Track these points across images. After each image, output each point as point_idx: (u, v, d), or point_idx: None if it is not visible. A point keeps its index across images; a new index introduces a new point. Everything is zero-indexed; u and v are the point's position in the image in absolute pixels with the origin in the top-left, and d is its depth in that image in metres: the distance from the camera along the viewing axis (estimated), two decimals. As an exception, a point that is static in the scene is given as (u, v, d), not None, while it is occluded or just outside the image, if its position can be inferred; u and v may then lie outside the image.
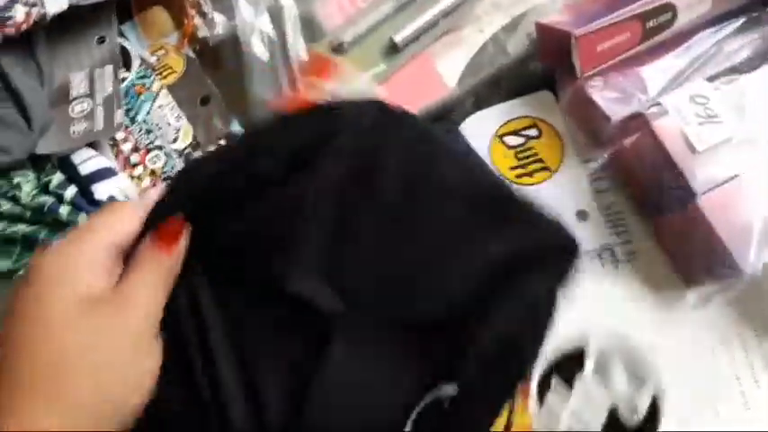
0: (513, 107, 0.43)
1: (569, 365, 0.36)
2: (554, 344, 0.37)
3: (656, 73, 0.40)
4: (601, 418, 0.36)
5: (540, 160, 0.42)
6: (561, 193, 0.42)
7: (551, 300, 0.28)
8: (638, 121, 0.39)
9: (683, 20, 0.40)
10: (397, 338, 0.27)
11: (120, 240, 0.28)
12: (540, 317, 0.28)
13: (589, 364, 0.37)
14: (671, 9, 0.39)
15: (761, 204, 0.37)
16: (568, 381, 0.37)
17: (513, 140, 0.43)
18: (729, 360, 0.40)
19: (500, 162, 0.42)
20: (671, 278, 0.42)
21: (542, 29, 0.42)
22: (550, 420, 0.36)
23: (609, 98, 0.40)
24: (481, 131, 0.43)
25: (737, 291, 0.39)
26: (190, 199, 0.29)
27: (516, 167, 0.42)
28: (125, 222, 0.28)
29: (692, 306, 0.41)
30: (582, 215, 0.41)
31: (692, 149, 0.37)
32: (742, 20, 0.42)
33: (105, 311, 0.26)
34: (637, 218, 0.42)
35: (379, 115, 0.29)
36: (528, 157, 0.42)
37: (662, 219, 0.40)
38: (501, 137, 0.42)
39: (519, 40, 0.44)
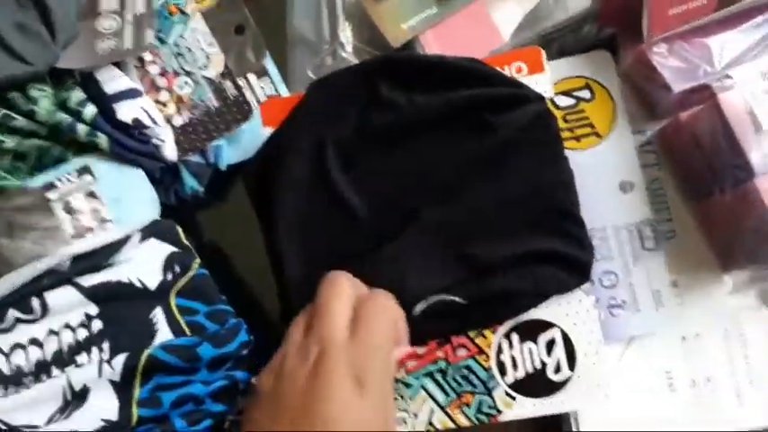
0: (567, 65, 0.41)
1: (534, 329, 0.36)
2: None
3: (724, 45, 0.38)
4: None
5: (591, 125, 0.40)
6: (606, 162, 0.40)
7: (542, 295, 0.36)
8: (700, 94, 0.38)
9: (760, -9, 0.38)
10: (440, 247, 0.36)
11: None
12: (531, 301, 0.36)
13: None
14: (750, -23, 0.37)
15: (820, 193, 0.35)
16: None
17: (563, 101, 0.40)
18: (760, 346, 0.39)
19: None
20: (708, 261, 0.40)
21: (609, -14, 0.40)
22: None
23: (672, 67, 0.38)
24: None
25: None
26: None
27: (564, 130, 0.39)
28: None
29: (728, 291, 0.40)
30: (625, 186, 0.39)
31: (758, 127, 0.35)
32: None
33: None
34: (679, 197, 0.41)
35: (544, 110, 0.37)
36: (577, 120, 0.40)
37: (709, 199, 0.39)
38: (551, 98, 0.40)
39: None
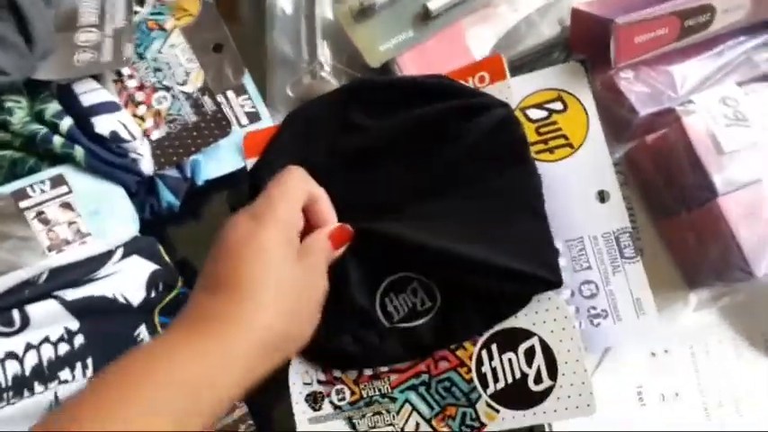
0: (539, 78, 0.41)
1: (512, 339, 0.37)
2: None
3: (686, 73, 0.40)
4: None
5: (564, 136, 0.40)
6: (582, 171, 0.39)
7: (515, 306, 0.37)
8: (665, 118, 0.39)
9: (719, 24, 0.40)
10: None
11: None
12: (501, 312, 0.37)
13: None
14: (710, 11, 0.39)
15: (780, 211, 0.37)
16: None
17: (535, 114, 0.41)
18: (727, 362, 0.41)
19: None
20: (674, 279, 0.42)
21: (578, 15, 0.42)
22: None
23: (638, 92, 0.40)
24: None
25: (743, 295, 0.40)
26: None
27: (537, 143, 0.40)
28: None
29: (693, 308, 0.42)
30: (602, 196, 0.40)
31: (719, 150, 0.37)
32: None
33: (300, 269, 0.33)
34: (646, 216, 0.42)
35: (508, 114, 0.38)
36: (550, 132, 0.41)
37: (675, 218, 0.40)
38: (523, 109, 0.41)
39: (550, 25, 0.43)
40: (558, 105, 0.40)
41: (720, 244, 0.37)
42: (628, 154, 0.43)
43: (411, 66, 0.43)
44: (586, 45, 0.42)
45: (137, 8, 0.44)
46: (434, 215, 0.37)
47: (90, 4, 0.43)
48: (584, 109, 0.40)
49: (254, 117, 0.43)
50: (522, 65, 0.45)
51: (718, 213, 0.37)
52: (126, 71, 0.42)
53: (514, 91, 0.40)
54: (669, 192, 0.40)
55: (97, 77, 0.41)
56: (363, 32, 0.43)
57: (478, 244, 0.36)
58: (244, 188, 0.40)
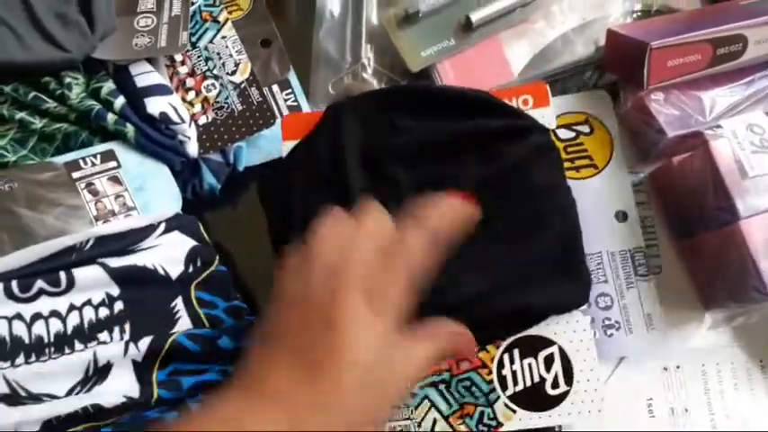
0: (570, 101, 0.44)
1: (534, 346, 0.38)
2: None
3: (716, 99, 0.42)
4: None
5: (589, 157, 0.42)
6: (604, 191, 0.42)
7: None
8: (692, 141, 0.41)
9: (751, 54, 0.42)
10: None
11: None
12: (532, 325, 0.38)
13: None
14: (742, 41, 0.41)
15: (798, 238, 0.38)
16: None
17: (564, 134, 0.43)
18: (738, 381, 0.42)
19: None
20: (691, 298, 0.43)
21: (613, 36, 0.43)
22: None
23: (668, 114, 0.41)
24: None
25: (757, 316, 0.41)
26: None
27: (564, 161, 0.42)
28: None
29: (707, 327, 0.43)
30: (621, 215, 0.42)
31: (743, 174, 0.38)
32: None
33: (393, 348, 0.28)
34: (667, 235, 0.44)
35: (547, 141, 0.40)
36: (577, 152, 0.43)
37: (695, 238, 0.42)
38: (554, 129, 0.43)
39: (585, 45, 0.45)
40: (585, 128, 0.43)
41: (739, 265, 0.38)
42: (652, 174, 0.44)
43: (450, 73, 0.45)
44: (619, 66, 0.44)
45: (193, -1, 0.46)
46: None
47: (149, -9, 0.45)
48: (609, 133, 0.43)
49: (295, 110, 0.45)
50: (555, 81, 0.46)
51: (739, 236, 0.38)
52: (179, 58, 0.45)
53: (548, 110, 0.42)
54: (691, 212, 0.41)
55: (151, 61, 0.43)
56: (406, 38, 0.45)
57: (509, 268, 0.37)
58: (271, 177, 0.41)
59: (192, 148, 0.42)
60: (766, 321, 0.41)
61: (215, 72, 0.45)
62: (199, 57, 0.45)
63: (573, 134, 0.43)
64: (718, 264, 0.40)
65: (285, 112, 0.45)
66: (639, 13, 0.46)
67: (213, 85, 0.44)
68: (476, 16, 0.44)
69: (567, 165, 0.42)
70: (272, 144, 0.44)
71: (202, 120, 0.43)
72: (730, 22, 0.41)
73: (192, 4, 0.46)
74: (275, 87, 0.46)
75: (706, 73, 0.41)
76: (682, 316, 0.43)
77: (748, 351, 0.42)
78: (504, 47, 0.45)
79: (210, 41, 0.46)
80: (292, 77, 0.46)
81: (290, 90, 0.46)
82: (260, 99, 0.44)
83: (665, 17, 0.46)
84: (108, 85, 0.42)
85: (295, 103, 0.46)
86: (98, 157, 0.41)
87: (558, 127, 0.43)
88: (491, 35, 0.45)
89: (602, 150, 0.43)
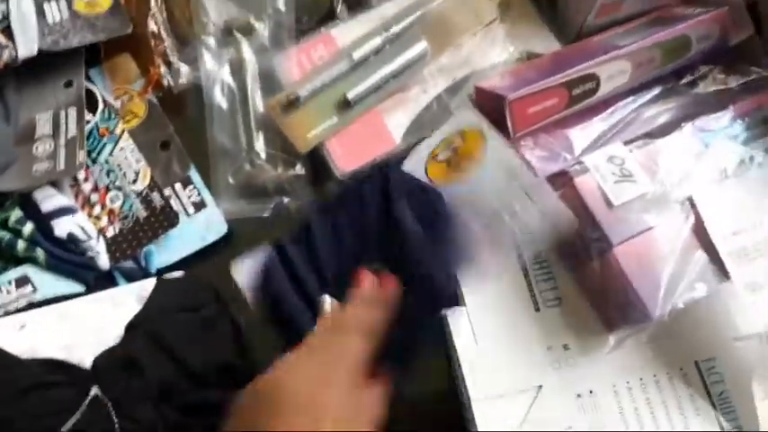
0: (439, 134, 0.47)
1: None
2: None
3: (581, 135, 0.45)
4: None
5: (468, 156, 0.45)
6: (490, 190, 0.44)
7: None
8: (562, 178, 0.44)
9: (605, 89, 0.45)
10: None
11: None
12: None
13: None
14: (594, 79, 0.44)
15: (670, 254, 0.41)
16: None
17: (443, 155, 0.46)
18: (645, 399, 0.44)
19: (437, 175, 0.45)
20: (593, 323, 0.45)
21: (480, 92, 0.46)
22: None
23: (538, 156, 0.44)
24: (418, 162, 0.46)
25: (647, 334, 0.43)
26: None
27: (451, 173, 0.45)
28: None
29: (609, 349, 0.45)
30: None
31: (609, 204, 0.41)
32: (658, 89, 0.47)
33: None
34: (561, 265, 0.46)
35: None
36: (458, 161, 0.45)
37: (583, 268, 0.44)
38: (434, 156, 0.46)
39: (460, 101, 0.48)
40: (458, 141, 0.45)
41: (620, 290, 0.41)
42: (540, 211, 0.47)
43: (338, 149, 0.48)
44: (491, 117, 0.47)
45: (88, 116, 0.49)
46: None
47: (45, 117, 0.48)
48: (481, 133, 0.45)
49: (199, 205, 0.48)
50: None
51: (615, 263, 0.41)
52: (81, 175, 0.47)
53: (424, 150, 0.45)
54: (575, 245, 0.44)
55: (55, 183, 0.46)
56: (292, 122, 0.48)
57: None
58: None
59: (104, 261, 0.44)
60: (666, 336, 0.43)
61: (117, 183, 0.47)
62: (101, 170, 0.48)
63: (450, 152, 0.46)
64: (605, 290, 0.42)
65: (190, 209, 0.48)
66: (504, 64, 0.49)
67: (117, 195, 0.47)
68: (352, 94, 0.47)
69: (454, 175, 0.45)
70: (180, 243, 0.46)
71: (110, 231, 0.46)
72: (584, 61, 0.44)
73: (88, 122, 0.49)
74: (177, 185, 0.48)
75: (566, 114, 0.44)
76: (588, 341, 0.45)
77: (656, 365, 0.44)
78: (383, 117, 0.48)
79: (110, 154, 0.48)
80: (193, 174, 0.49)
81: (192, 186, 0.49)
82: (162, 203, 0.47)
83: (527, 64, 0.49)
84: (15, 213, 0.44)
85: (199, 198, 0.48)
86: (12, 283, 0.43)
87: (437, 154, 0.46)
88: (370, 108, 0.48)
89: (476, 144, 0.45)
